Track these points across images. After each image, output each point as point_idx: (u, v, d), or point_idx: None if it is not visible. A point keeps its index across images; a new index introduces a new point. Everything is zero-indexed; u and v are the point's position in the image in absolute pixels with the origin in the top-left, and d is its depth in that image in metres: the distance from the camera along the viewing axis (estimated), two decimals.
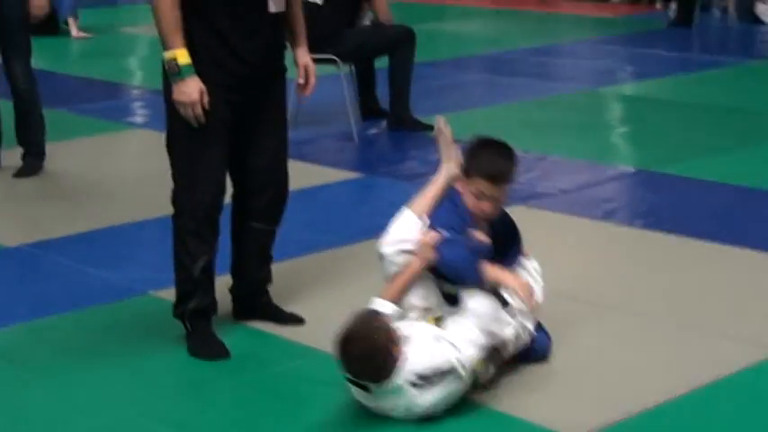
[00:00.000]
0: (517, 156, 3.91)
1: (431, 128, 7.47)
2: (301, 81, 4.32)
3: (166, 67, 3.97)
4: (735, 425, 3.57)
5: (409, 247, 3.76)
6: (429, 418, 3.52)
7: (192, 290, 4.16)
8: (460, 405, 3.60)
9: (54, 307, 4.60)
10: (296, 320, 4.39)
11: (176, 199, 4.14)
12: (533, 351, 3.90)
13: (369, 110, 8.03)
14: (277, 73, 4.23)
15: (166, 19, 3.93)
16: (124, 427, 3.64)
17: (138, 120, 8.44)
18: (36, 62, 6.69)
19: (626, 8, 14.11)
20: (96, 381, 4.00)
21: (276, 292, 4.52)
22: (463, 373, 3.49)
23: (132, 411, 3.74)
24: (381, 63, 7.89)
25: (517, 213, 5.69)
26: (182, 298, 4.18)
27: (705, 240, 5.28)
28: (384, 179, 6.59)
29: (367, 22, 8.03)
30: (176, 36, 3.93)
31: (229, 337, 4.22)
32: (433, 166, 6.61)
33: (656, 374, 3.90)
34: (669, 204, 5.92)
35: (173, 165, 4.13)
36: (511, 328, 3.71)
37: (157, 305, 4.42)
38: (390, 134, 7.60)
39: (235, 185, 4.30)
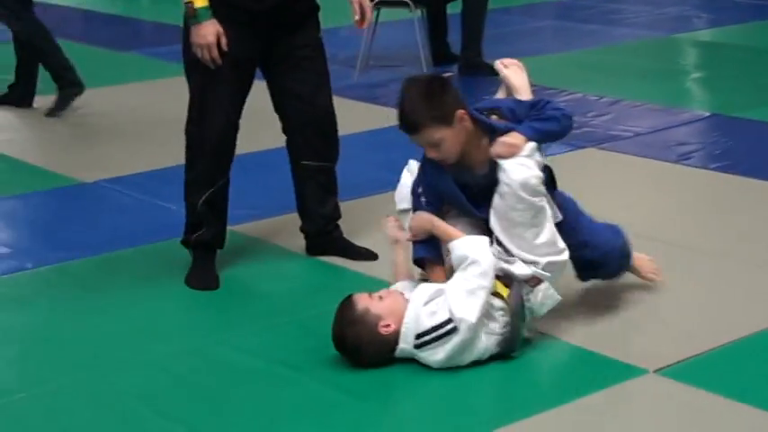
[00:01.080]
0: (424, 91, 3.57)
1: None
2: (357, 17, 4.27)
3: (185, 10, 3.99)
4: None
5: (405, 206, 3.75)
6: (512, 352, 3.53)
7: (197, 221, 4.24)
8: (539, 341, 3.63)
9: (130, 239, 4.69)
10: (369, 256, 4.42)
11: (186, 131, 4.21)
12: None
13: (440, 54, 7.99)
14: (304, 12, 4.20)
15: None
16: (199, 352, 3.70)
17: None
18: (109, 6, 6.76)
19: None
20: (171, 309, 4.09)
21: (350, 228, 4.56)
22: (463, 326, 3.38)
23: (209, 339, 3.80)
24: (454, 8, 7.85)
25: (589, 155, 5.76)
26: (188, 228, 4.29)
27: None
28: None
29: None
30: None
31: (303, 269, 4.26)
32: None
33: (736, 311, 3.89)
34: (745, 148, 5.86)
35: (191, 98, 4.18)
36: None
37: (229, 237, 4.45)
38: (462, 78, 7.56)
39: (282, 123, 4.35)
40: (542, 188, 3.52)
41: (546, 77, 7.26)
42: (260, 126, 4.80)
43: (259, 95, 4.32)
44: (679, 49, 8.65)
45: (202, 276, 4.23)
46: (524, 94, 3.86)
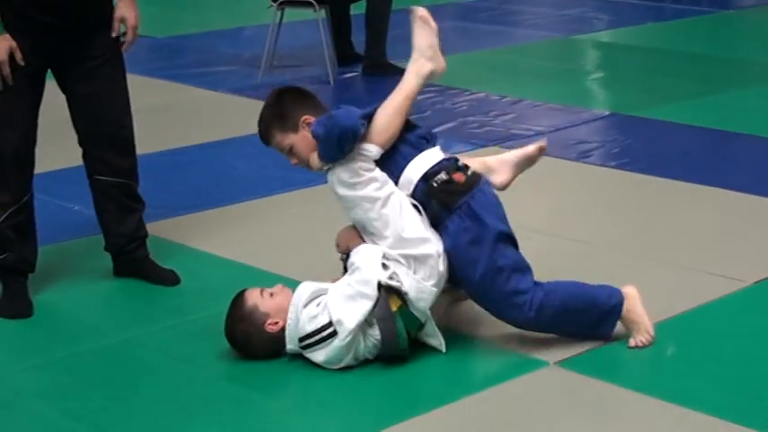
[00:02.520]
0: (273, 102, 3.65)
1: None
2: (113, 35, 4.01)
3: None
4: (710, 351, 3.62)
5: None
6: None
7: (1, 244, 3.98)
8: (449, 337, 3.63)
9: None
10: (171, 279, 4.19)
11: None
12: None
13: (345, 54, 8.00)
14: (96, 24, 3.96)
15: None
16: (105, 351, 3.67)
17: None
18: None
19: None
20: (73, 307, 4.03)
21: (258, 227, 4.53)
22: (341, 330, 3.37)
23: (114, 338, 3.77)
24: (358, 9, 7.87)
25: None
26: None
27: (676, 180, 5.33)
28: None
29: None
30: None
31: (216, 268, 4.25)
32: None
33: None
34: (642, 146, 5.97)
35: None
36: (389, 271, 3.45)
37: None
38: (365, 78, 7.59)
39: (78, 136, 4.12)
40: (355, 177, 3.45)
41: (449, 77, 7.23)
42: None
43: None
44: (579, 50, 8.75)
45: (12, 304, 3.95)
46: (419, 56, 3.61)
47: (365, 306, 3.38)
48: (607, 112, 6.68)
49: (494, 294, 3.54)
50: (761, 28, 9.93)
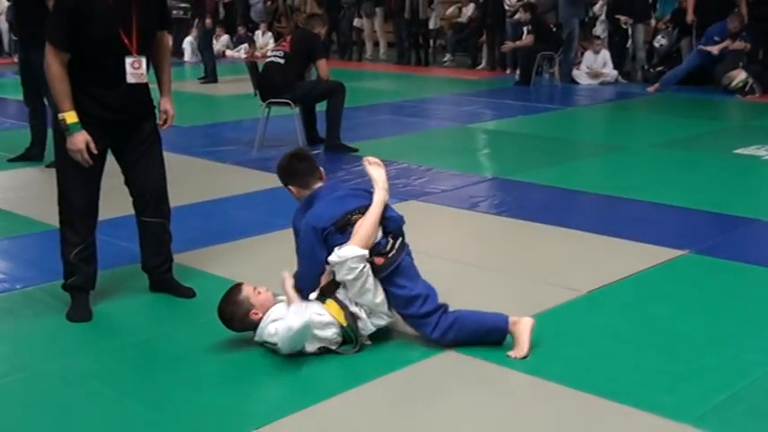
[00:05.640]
0: (288, 163, 3.72)
1: (354, 150, 7.55)
2: (160, 123, 4.04)
3: (60, 124, 3.71)
4: (554, 348, 3.59)
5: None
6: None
7: (70, 270, 3.92)
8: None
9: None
10: (189, 293, 4.12)
11: (59, 204, 3.90)
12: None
13: (312, 138, 8.00)
14: (143, 114, 3.94)
15: (56, 89, 3.67)
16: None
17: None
18: None
19: (487, 73, 14.25)
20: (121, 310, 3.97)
21: (246, 259, 4.48)
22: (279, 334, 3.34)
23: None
24: (321, 106, 7.88)
25: (411, 206, 5.81)
26: (65, 276, 3.96)
27: (537, 222, 5.37)
28: None
29: (312, 77, 8.03)
30: (65, 101, 3.67)
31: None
32: (355, 175, 6.68)
33: (512, 304, 3.84)
34: (513, 199, 5.99)
35: (57, 181, 3.88)
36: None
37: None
38: (327, 154, 7.60)
39: (129, 191, 4.06)
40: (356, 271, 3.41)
41: (383, 153, 7.22)
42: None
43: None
44: (472, 134, 8.80)
45: (78, 311, 3.89)
46: (380, 185, 3.62)
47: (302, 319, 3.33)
48: (490, 176, 6.72)
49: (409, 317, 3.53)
50: (590, 120, 10.06)
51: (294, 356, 3.39)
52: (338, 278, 3.45)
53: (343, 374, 3.34)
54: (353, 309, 3.47)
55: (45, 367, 3.42)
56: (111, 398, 3.15)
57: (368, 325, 3.50)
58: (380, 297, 3.48)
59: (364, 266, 3.41)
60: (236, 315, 3.47)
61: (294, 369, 3.35)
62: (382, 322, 3.54)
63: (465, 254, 4.79)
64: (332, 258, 3.42)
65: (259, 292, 3.51)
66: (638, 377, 3.26)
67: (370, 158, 3.75)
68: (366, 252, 3.42)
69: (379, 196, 3.58)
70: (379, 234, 3.53)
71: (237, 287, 3.52)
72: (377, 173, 3.67)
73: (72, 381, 3.29)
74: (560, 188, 6.26)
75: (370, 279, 3.44)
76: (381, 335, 3.59)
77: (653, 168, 7.07)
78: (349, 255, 3.38)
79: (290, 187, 3.75)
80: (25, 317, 3.96)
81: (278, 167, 3.79)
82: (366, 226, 3.46)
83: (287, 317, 3.35)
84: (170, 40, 4.07)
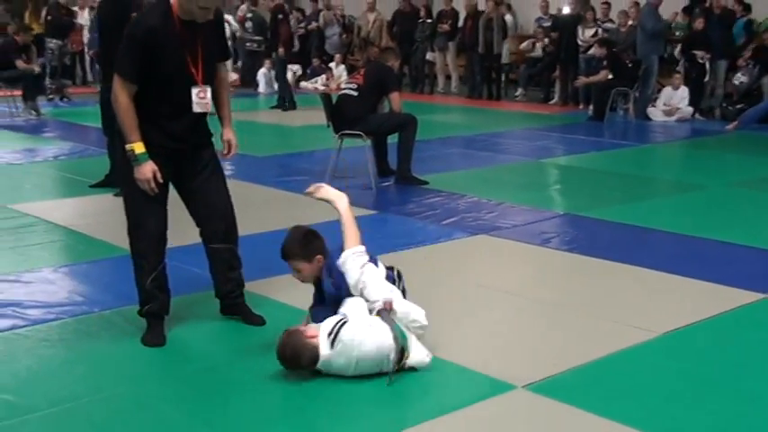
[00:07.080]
0: (301, 238, 3.82)
1: (424, 182, 7.56)
2: (224, 152, 4.07)
3: (128, 155, 3.75)
4: (628, 390, 3.55)
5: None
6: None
7: (146, 297, 3.97)
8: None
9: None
10: (260, 321, 4.15)
11: (129, 234, 3.93)
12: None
13: (383, 170, 8.05)
14: (203, 142, 3.97)
15: (124, 120, 3.71)
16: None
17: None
18: None
19: (559, 108, 14.17)
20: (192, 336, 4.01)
21: (283, 287, 4.48)
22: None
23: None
24: (393, 138, 7.93)
25: (482, 240, 5.80)
26: (141, 303, 4.01)
27: (609, 260, 5.28)
28: (393, 216, 6.61)
29: (385, 109, 8.09)
30: (133, 132, 3.71)
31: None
32: (425, 207, 6.69)
33: (587, 342, 3.87)
34: (586, 236, 5.92)
35: (126, 211, 3.91)
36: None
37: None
38: (397, 186, 7.63)
39: (194, 219, 4.07)
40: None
41: (455, 187, 7.39)
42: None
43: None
44: (543, 169, 8.75)
45: (152, 337, 3.94)
46: (334, 196, 3.96)
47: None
48: (562, 212, 6.65)
49: None
50: (666, 157, 9.90)
51: (359, 380, 3.40)
52: (352, 283, 3.68)
53: (429, 404, 3.33)
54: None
55: (120, 390, 3.49)
56: (181, 423, 3.19)
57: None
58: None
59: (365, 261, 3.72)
60: (296, 345, 3.47)
61: (364, 399, 3.35)
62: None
63: (535, 290, 4.73)
64: (340, 261, 3.73)
65: (305, 325, 3.62)
66: (713, 423, 3.17)
67: (309, 189, 4.01)
68: (363, 247, 3.75)
69: (344, 204, 3.90)
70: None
71: (290, 328, 3.58)
72: (323, 192, 3.97)
73: (145, 404, 3.35)
74: (633, 226, 6.16)
75: (371, 270, 3.70)
76: (449, 368, 3.56)
77: (729, 208, 6.91)
78: (350, 253, 3.72)
79: (306, 263, 3.80)
80: (102, 340, 4.04)
81: (295, 247, 3.83)
82: (349, 227, 3.81)
83: (373, 331, 3.45)
84: (229, 71, 4.11)
